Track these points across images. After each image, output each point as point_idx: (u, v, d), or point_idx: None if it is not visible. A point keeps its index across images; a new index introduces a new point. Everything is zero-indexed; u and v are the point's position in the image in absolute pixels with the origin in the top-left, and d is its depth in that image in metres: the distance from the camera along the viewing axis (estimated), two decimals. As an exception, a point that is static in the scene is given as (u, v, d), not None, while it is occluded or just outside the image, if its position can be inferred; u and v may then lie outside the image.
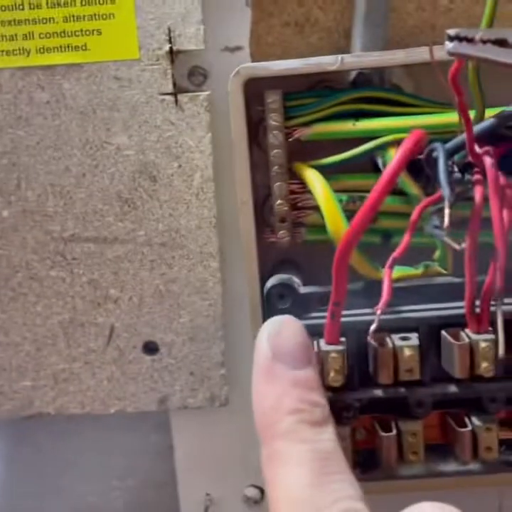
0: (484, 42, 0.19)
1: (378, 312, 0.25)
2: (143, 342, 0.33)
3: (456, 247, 0.22)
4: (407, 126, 0.29)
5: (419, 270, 0.30)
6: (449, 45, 0.19)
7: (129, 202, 0.32)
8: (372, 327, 0.25)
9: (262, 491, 0.36)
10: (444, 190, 0.22)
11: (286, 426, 0.21)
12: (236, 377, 0.34)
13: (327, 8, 0.32)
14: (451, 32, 0.19)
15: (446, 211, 0.22)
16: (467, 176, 0.28)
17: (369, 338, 0.25)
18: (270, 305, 0.30)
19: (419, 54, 0.28)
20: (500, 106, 0.27)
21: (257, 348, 0.23)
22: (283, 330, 0.23)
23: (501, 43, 0.19)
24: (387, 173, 0.24)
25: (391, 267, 0.25)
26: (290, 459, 0.21)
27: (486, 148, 0.26)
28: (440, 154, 0.23)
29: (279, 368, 0.22)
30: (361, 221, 0.25)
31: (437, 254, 0.30)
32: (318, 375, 0.23)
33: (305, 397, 0.22)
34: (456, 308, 0.29)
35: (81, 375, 0.34)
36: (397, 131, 0.29)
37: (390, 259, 0.25)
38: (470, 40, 0.19)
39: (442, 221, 0.22)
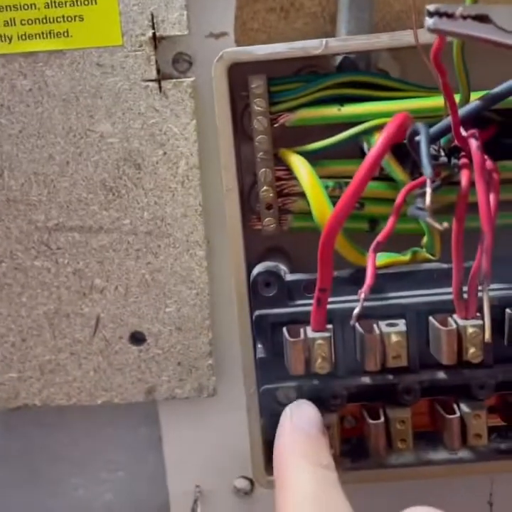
0: (465, 17, 0.19)
1: (362, 296, 0.25)
2: (129, 332, 0.33)
3: (439, 227, 0.21)
4: (392, 110, 0.28)
5: (406, 256, 0.30)
6: (429, 21, 0.19)
7: (114, 190, 0.32)
8: (356, 311, 0.25)
9: (251, 482, 0.36)
10: (426, 170, 0.22)
11: (297, 464, 0.26)
12: (224, 367, 0.34)
13: (312, -7, 0.31)
14: (431, 7, 0.19)
15: (428, 190, 0.21)
16: (454, 160, 0.28)
17: (352, 321, 0.25)
18: (256, 293, 0.29)
19: (404, 37, 0.28)
20: (486, 89, 0.27)
21: (282, 416, 0.28)
22: (303, 407, 0.29)
23: (482, 18, 0.19)
24: (369, 157, 0.24)
25: (375, 251, 0.25)
26: (298, 487, 0.25)
27: (472, 130, 0.26)
28: (422, 134, 0.23)
29: (296, 427, 0.27)
30: (344, 206, 0.25)
31: (425, 240, 0.30)
32: (328, 442, 0.28)
33: (314, 447, 0.27)
34: (444, 294, 0.28)
35: (67, 366, 0.33)
36: (383, 115, 0.29)
37: (374, 243, 0.25)
38: (450, 16, 0.19)
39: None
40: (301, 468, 0.25)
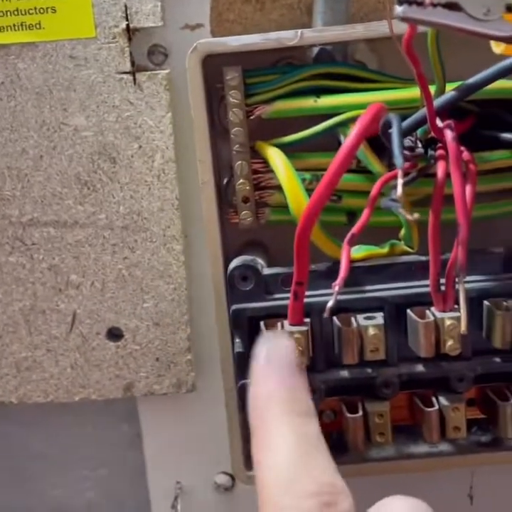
0: (434, 5, 0.18)
1: (336, 288, 0.24)
2: (106, 328, 0.33)
3: (409, 217, 0.21)
4: (369, 101, 0.28)
5: (385, 249, 0.30)
6: (399, 9, 0.19)
7: (89, 184, 0.31)
8: (329, 303, 0.25)
9: (232, 477, 0.36)
10: (397, 160, 0.22)
11: (274, 415, 0.24)
12: (202, 362, 0.34)
13: (289, -16, 0.31)
14: (402, -6, 0.18)
15: (399, 181, 0.21)
16: (430, 152, 0.27)
17: (325, 314, 0.25)
18: (233, 287, 0.29)
19: (380, 28, 0.28)
20: (462, 80, 0.27)
21: (255, 356, 0.26)
22: (277, 342, 0.26)
23: (452, 6, 0.19)
24: (343, 148, 0.23)
25: (349, 244, 0.25)
26: (277, 443, 0.23)
27: (448, 121, 0.26)
28: (394, 125, 0.23)
29: (272, 371, 0.25)
30: (319, 198, 0.24)
31: (403, 232, 0.29)
32: (306, 382, 0.25)
33: (292, 393, 0.24)
34: (422, 286, 0.28)
35: (44, 363, 0.33)
36: (360, 107, 0.28)
37: (349, 235, 0.25)
38: (420, 4, 0.18)
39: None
40: (278, 422, 0.23)
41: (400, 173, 0.21)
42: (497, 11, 0.19)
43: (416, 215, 0.21)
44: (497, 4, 0.19)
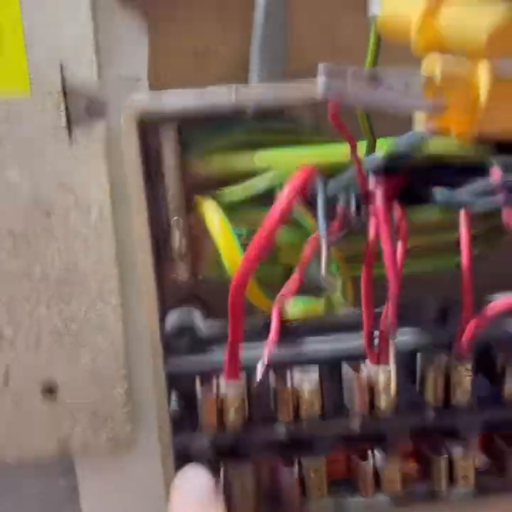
0: (356, 80, 0.19)
1: (266, 352, 0.24)
2: (41, 383, 0.32)
3: (330, 288, 0.21)
4: (306, 156, 0.28)
5: (320, 304, 0.30)
6: (321, 81, 0.19)
7: (23, 238, 0.31)
8: (258, 376, 0.24)
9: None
10: (320, 230, 0.22)
11: None
12: (141, 416, 0.33)
13: (228, 39, 0.31)
14: (323, 67, 0.19)
15: (324, 253, 0.21)
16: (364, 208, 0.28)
17: (256, 381, 0.25)
18: (169, 343, 0.29)
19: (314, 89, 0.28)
20: (391, 135, 0.27)
21: (172, 488, 0.28)
22: (189, 471, 0.28)
23: (374, 80, 0.19)
24: (273, 212, 0.24)
25: (280, 305, 0.25)
26: None
27: (376, 185, 0.26)
28: (319, 194, 0.23)
29: (187, 500, 0.27)
30: (249, 263, 0.24)
31: (338, 285, 0.30)
32: (222, 508, 0.26)
33: None
34: (357, 340, 0.28)
35: (-25, 420, 0.32)
36: (297, 163, 0.28)
37: (278, 298, 0.25)
38: (342, 77, 0.19)
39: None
40: None
41: (323, 241, 0.21)
42: (415, 86, 0.19)
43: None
44: (415, 79, 0.19)
